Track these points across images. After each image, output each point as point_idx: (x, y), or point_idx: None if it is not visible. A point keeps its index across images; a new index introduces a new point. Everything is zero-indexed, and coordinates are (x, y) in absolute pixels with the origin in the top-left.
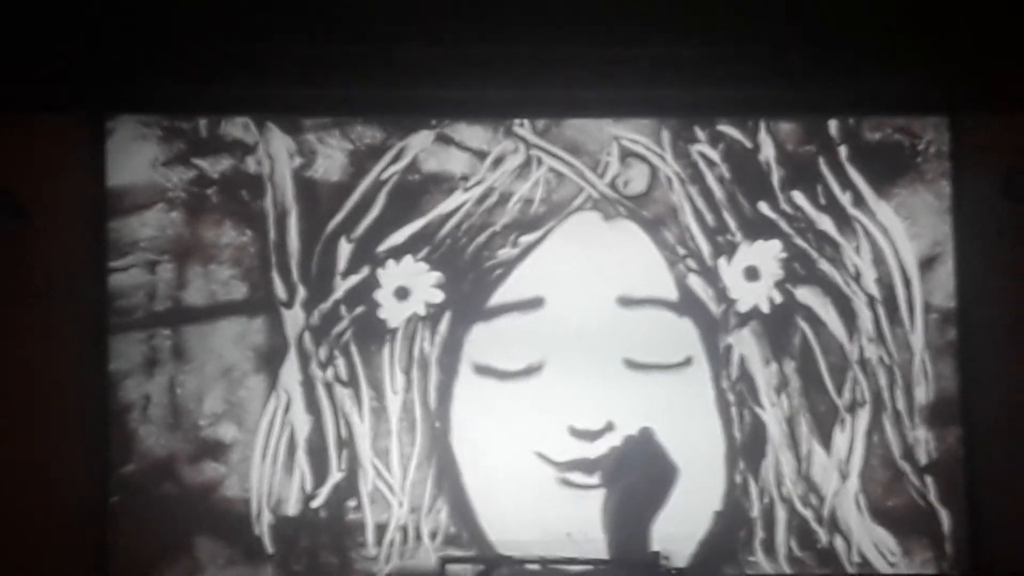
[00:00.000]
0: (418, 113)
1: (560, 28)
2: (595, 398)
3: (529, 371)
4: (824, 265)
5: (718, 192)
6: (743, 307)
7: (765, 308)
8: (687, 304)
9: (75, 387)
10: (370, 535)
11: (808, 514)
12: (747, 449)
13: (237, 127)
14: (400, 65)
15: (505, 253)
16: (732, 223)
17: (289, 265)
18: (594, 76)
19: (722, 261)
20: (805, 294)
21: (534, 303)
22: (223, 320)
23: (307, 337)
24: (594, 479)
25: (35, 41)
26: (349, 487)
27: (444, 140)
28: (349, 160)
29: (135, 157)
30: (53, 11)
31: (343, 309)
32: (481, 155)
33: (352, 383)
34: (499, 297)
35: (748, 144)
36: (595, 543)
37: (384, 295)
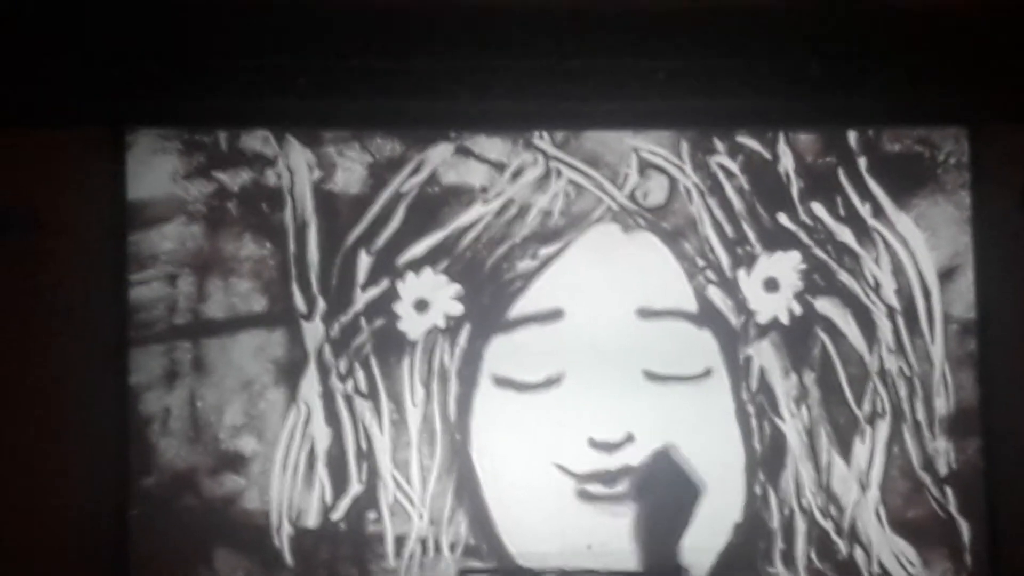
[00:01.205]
0: (437, 125)
1: (579, 40)
2: (614, 410)
3: (548, 383)
4: (843, 276)
5: (737, 203)
6: (762, 318)
7: (785, 319)
8: (706, 315)
9: (95, 400)
10: (390, 547)
11: (828, 525)
12: (767, 460)
13: (257, 140)
14: (419, 78)
15: (524, 265)
16: (751, 234)
17: (309, 278)
18: (613, 88)
19: (741, 272)
20: (825, 305)
21: (553, 315)
22: (243, 333)
23: (327, 349)
24: (617, 490)
25: (54, 55)
26: (369, 499)
27: (463, 152)
28: (368, 172)
29: (155, 170)
30: (72, 25)
31: (363, 321)
32: (500, 167)
33: (372, 395)
34: (518, 309)
35: (767, 155)
36: (615, 555)
37: (404, 307)
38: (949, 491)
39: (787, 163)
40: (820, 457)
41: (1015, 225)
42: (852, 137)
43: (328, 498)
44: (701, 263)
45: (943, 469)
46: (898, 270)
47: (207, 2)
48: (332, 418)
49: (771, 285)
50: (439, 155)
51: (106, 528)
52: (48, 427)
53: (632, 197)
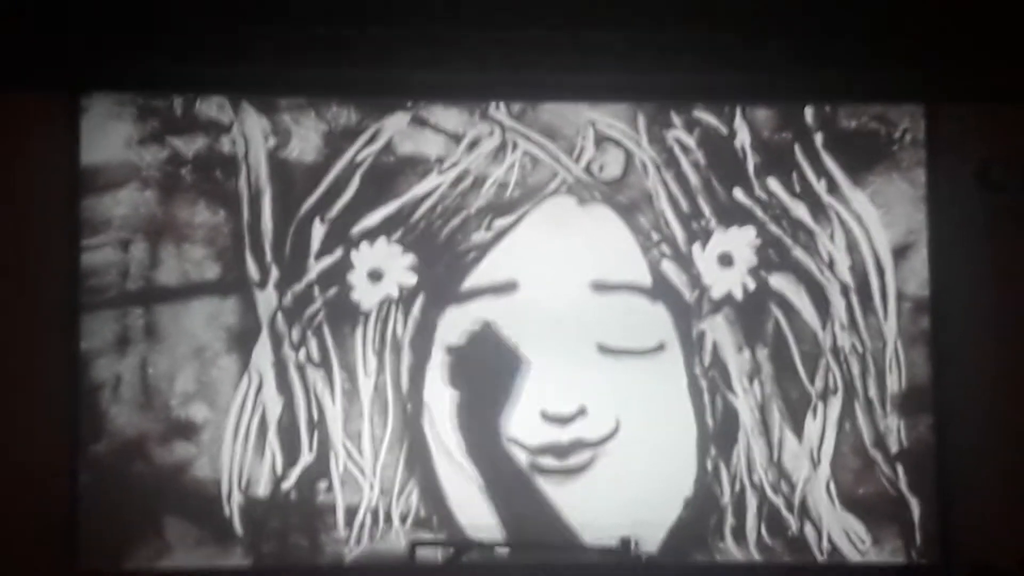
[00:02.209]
0: (394, 95)
1: (537, 11)
2: (567, 383)
3: None
4: (798, 252)
5: (693, 178)
6: (716, 293)
7: (739, 295)
8: (661, 290)
9: (46, 366)
10: (340, 518)
11: (779, 501)
12: (719, 436)
13: (212, 106)
14: (376, 46)
15: (479, 236)
16: (707, 209)
17: (263, 246)
18: (571, 59)
19: (696, 247)
20: (779, 281)
21: (508, 287)
22: (196, 300)
23: (280, 318)
24: (570, 463)
25: (8, 18)
26: (320, 469)
27: (419, 122)
28: (324, 141)
29: (109, 135)
30: None
31: (316, 290)
32: (456, 138)
33: (324, 365)
34: (473, 281)
35: (724, 130)
36: (565, 528)
37: (357, 277)
38: (900, 468)
39: (743, 138)
40: (772, 433)
41: (970, 203)
42: (809, 113)
43: (279, 467)
44: (656, 237)
45: (894, 446)
46: (852, 247)
47: None
48: (284, 387)
49: (725, 260)
50: (395, 124)
51: (56, 495)
52: None
53: (588, 170)
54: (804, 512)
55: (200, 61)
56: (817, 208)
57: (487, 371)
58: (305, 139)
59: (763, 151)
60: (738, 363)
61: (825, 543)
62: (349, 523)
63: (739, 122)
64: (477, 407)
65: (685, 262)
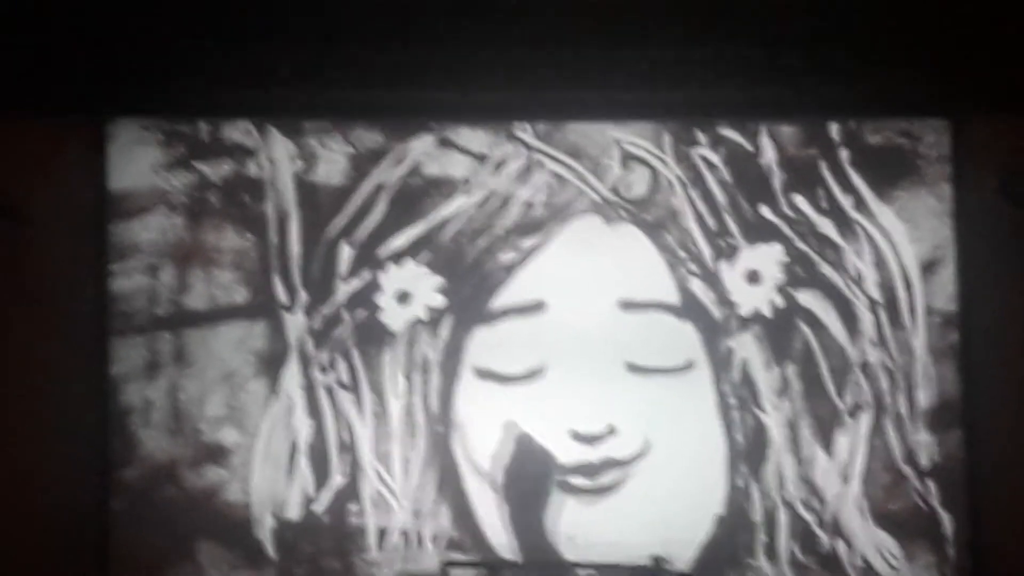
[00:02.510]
0: (419, 116)
1: (561, 31)
2: (596, 402)
3: (531, 375)
4: (825, 268)
5: (719, 195)
6: (744, 310)
7: (767, 311)
8: (688, 308)
9: (76, 391)
10: (372, 540)
11: (810, 518)
12: (749, 453)
13: (238, 131)
14: (401, 68)
15: (506, 257)
16: (733, 226)
17: (290, 269)
18: (595, 79)
19: (723, 264)
20: (807, 297)
21: (535, 307)
22: (224, 324)
23: (308, 341)
24: (600, 482)
25: (36, 44)
26: (351, 491)
27: (445, 143)
28: (350, 164)
29: (136, 160)
30: (54, 14)
31: (344, 313)
32: (482, 159)
33: (354, 387)
34: (500, 301)
35: (749, 147)
36: (597, 547)
37: (385, 299)
38: (931, 484)
39: (769, 155)
40: (802, 450)
41: (996, 217)
42: (834, 129)
43: (310, 490)
44: (683, 255)
45: (925, 462)
46: (880, 262)
47: None
48: (314, 410)
49: (753, 277)
50: (421, 146)
51: (87, 521)
52: (29, 418)
53: (614, 189)
54: (836, 529)
55: (226, 86)
56: (844, 224)
57: (528, 479)
58: (331, 162)
59: (789, 167)
60: (767, 380)
61: (857, 559)
62: (381, 545)
63: (764, 139)
64: (525, 514)
65: (713, 280)
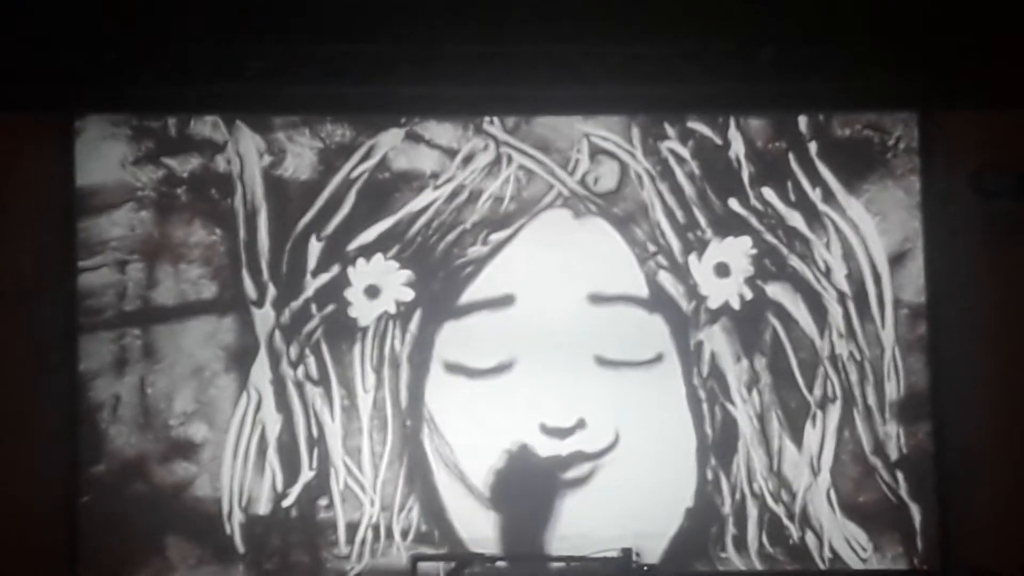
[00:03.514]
0: (388, 111)
1: (529, 25)
2: (566, 395)
3: (500, 369)
4: (794, 261)
5: (688, 189)
6: (714, 303)
7: (736, 304)
8: (658, 301)
9: (44, 387)
10: (342, 534)
11: (780, 510)
12: (718, 445)
13: (206, 126)
14: (369, 63)
15: (475, 251)
16: (702, 220)
17: (259, 264)
18: (564, 73)
19: (692, 258)
20: (775, 290)
21: (504, 301)
22: (193, 319)
23: (277, 336)
24: (570, 475)
25: (2, 41)
26: (320, 486)
27: (414, 138)
28: (319, 158)
29: (104, 156)
30: (21, 11)
31: (313, 308)
32: (451, 153)
33: (323, 382)
34: (469, 295)
35: (718, 141)
36: (568, 539)
37: (354, 293)
38: (900, 475)
39: (738, 148)
40: (771, 442)
41: (965, 210)
42: (803, 122)
43: (279, 485)
44: (652, 248)
45: (894, 453)
46: (849, 255)
47: None
48: (283, 405)
49: (722, 270)
50: (389, 141)
51: (56, 516)
52: None
53: (583, 182)
54: (805, 520)
55: (193, 81)
56: (812, 217)
57: (526, 492)
58: (300, 157)
59: (757, 161)
60: (736, 373)
61: (827, 551)
62: (350, 539)
63: (733, 132)
64: (519, 528)
65: (682, 273)
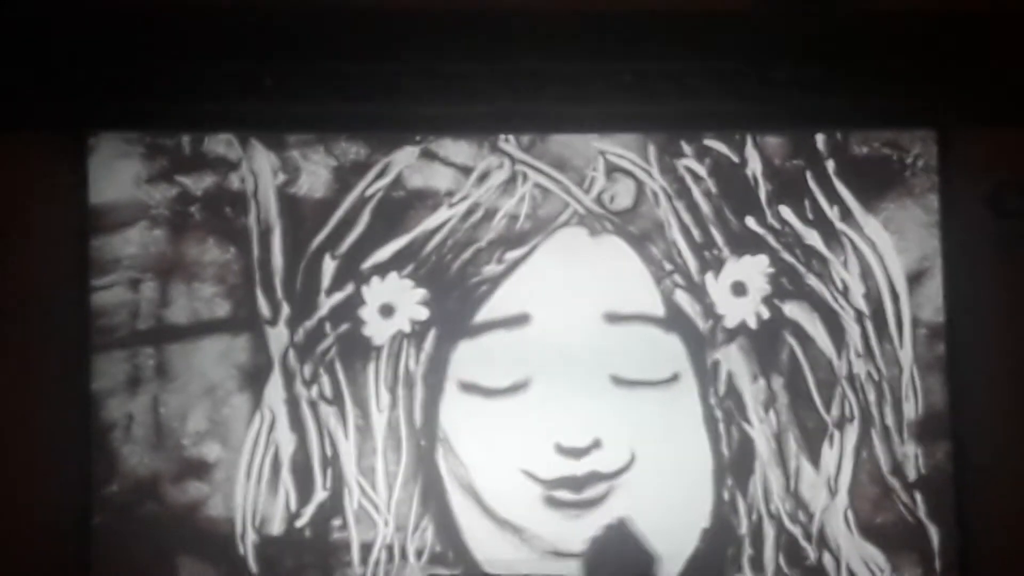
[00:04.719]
0: (402, 129)
1: (545, 43)
2: (582, 415)
3: (515, 388)
4: (812, 280)
5: (705, 207)
6: (730, 323)
7: (752, 324)
8: (674, 320)
9: (57, 406)
10: (355, 554)
11: (797, 531)
12: (735, 466)
13: (220, 144)
14: (384, 81)
15: (490, 269)
16: (719, 238)
17: (273, 282)
18: (579, 91)
19: (709, 276)
20: (793, 309)
21: (520, 320)
22: (206, 338)
23: (291, 355)
24: (585, 496)
25: (16, 58)
26: (334, 506)
27: (429, 156)
28: (333, 176)
29: (117, 174)
30: (34, 28)
31: (327, 327)
32: (466, 171)
33: (337, 401)
34: (485, 314)
35: (735, 158)
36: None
37: (369, 312)
38: (918, 496)
39: (755, 166)
40: (788, 462)
41: (983, 228)
42: (820, 140)
43: (293, 505)
44: (668, 267)
45: (912, 474)
46: (866, 274)
47: (170, 6)
48: (297, 424)
49: (739, 289)
50: (404, 158)
51: (69, 537)
52: (9, 434)
53: (599, 201)
54: (822, 541)
55: (207, 99)
56: (830, 235)
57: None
58: (314, 175)
59: (775, 179)
60: (753, 392)
61: (844, 572)
62: (364, 560)
63: (750, 150)
64: None
65: (698, 292)
